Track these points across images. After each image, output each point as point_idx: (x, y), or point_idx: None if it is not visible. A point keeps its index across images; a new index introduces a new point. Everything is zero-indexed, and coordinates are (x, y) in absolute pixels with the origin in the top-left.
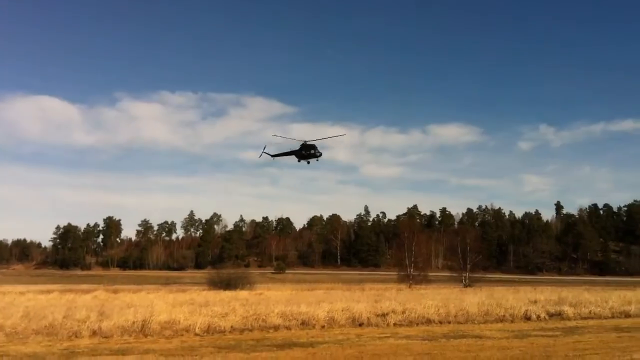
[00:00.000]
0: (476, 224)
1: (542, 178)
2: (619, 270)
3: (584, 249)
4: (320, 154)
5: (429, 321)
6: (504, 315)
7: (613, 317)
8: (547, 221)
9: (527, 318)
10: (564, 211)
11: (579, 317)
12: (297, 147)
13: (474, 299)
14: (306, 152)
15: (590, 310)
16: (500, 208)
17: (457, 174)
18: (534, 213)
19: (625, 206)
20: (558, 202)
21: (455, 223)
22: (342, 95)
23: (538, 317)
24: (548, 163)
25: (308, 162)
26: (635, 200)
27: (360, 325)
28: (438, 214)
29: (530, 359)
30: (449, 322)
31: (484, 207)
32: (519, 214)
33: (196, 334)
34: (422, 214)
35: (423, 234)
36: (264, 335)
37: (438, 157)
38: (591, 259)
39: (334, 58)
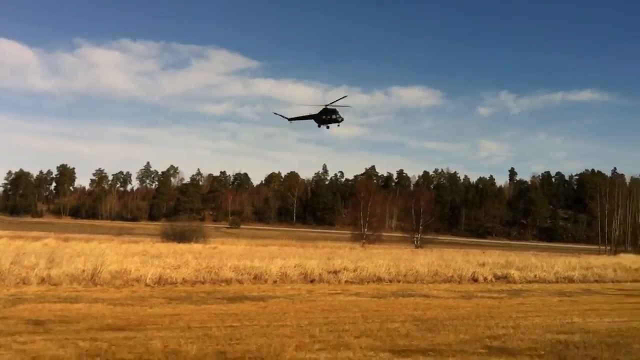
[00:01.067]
0: (431, 186)
1: (498, 144)
2: (566, 237)
3: (534, 215)
4: (342, 119)
5: (379, 279)
6: (452, 276)
7: (557, 281)
8: (501, 187)
9: (475, 280)
10: (518, 177)
11: (524, 280)
12: (316, 112)
13: (424, 260)
14: (327, 116)
15: (536, 275)
16: (455, 172)
17: (417, 137)
18: (488, 178)
19: (576, 175)
20: (512, 168)
21: (412, 185)
22: (307, 53)
23: (485, 279)
24: (506, 129)
25: (328, 127)
26: (586, 170)
27: (312, 281)
28: (395, 176)
29: (475, 318)
30: (399, 281)
31: (440, 170)
32: (473, 178)
33: (147, 285)
34: (379, 175)
35: (379, 194)
36: (216, 288)
37: (399, 119)
38: (540, 225)
39: (301, 14)
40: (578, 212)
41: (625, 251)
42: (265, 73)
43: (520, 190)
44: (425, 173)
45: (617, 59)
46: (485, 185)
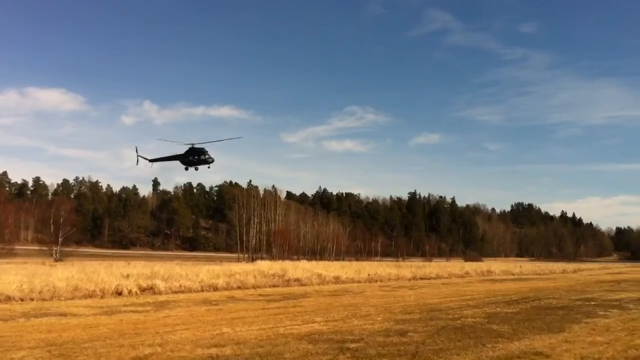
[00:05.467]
0: (72, 195)
1: (145, 154)
2: (207, 246)
3: (177, 225)
4: (213, 160)
5: (8, 299)
6: (94, 291)
7: (203, 290)
8: (144, 196)
9: (119, 293)
10: (161, 188)
11: (170, 291)
12: (181, 152)
13: (64, 274)
14: (194, 157)
15: (181, 284)
16: (97, 181)
17: (56, 143)
18: (131, 188)
19: (216, 186)
20: (155, 178)
21: (50, 194)
22: None
23: (130, 291)
24: (151, 140)
25: (196, 169)
26: (225, 181)
27: None
28: (31, 183)
29: (118, 337)
30: (32, 299)
31: (81, 178)
32: (117, 187)
33: None
34: (12, 182)
35: (11, 204)
36: None
37: (36, 123)
38: (183, 235)
39: None
40: (218, 221)
41: (262, 258)
42: None
43: (163, 200)
44: (65, 181)
45: (252, 80)
46: (129, 195)
